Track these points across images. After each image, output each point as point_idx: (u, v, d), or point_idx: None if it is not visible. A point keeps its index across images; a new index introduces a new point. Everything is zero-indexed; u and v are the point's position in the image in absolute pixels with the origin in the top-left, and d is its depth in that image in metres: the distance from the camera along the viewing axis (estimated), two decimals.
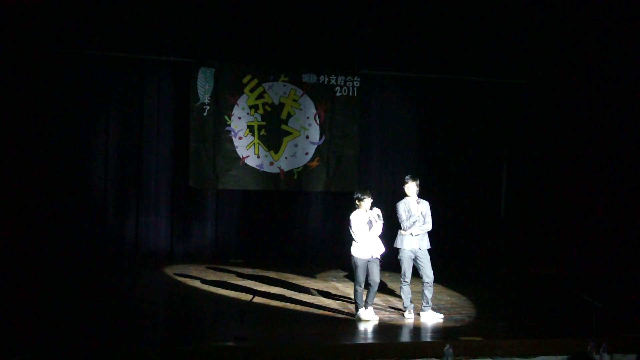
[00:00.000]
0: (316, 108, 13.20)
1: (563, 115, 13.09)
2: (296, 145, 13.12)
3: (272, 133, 13.00)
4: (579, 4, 12.32)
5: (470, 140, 14.05)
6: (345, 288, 10.34)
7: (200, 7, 12.63)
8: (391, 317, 8.71)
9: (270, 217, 13.23)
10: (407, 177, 8.77)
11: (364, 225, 8.33)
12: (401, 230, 8.67)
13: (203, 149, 12.68)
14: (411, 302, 8.70)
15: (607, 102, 12.04)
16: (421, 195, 8.80)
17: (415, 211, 8.63)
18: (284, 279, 11.07)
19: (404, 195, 8.74)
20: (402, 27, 13.52)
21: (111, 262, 12.13)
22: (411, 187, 8.69)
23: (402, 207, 8.69)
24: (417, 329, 8.32)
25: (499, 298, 10.54)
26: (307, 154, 13.18)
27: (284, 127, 13.07)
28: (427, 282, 8.60)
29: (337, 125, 13.27)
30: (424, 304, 8.64)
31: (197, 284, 10.56)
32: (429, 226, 8.71)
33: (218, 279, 10.91)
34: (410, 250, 8.62)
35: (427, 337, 8.09)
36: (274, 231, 13.21)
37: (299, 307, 9.12)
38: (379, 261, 8.40)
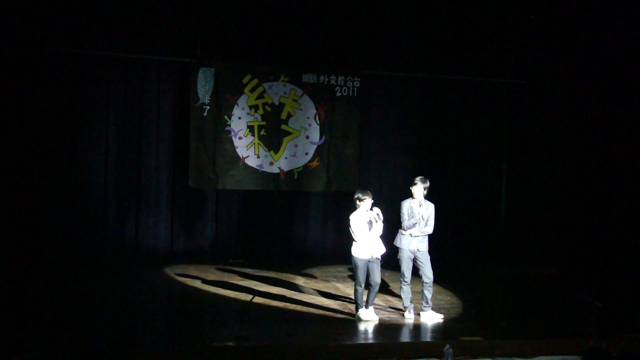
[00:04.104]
0: (316, 108, 13.19)
1: (563, 115, 13.09)
2: (296, 145, 13.11)
3: (272, 133, 12.99)
4: (578, 4, 12.32)
5: (470, 140, 14.04)
6: (346, 288, 10.34)
7: (200, 7, 12.63)
8: (391, 317, 8.71)
9: (270, 217, 13.23)
10: (417, 178, 8.75)
11: (364, 226, 8.34)
12: (401, 230, 8.69)
13: (203, 149, 12.67)
14: (411, 302, 8.70)
15: (607, 102, 12.04)
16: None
17: (417, 213, 8.64)
18: (284, 279, 11.07)
19: (410, 195, 8.74)
20: (402, 27, 13.52)
21: (111, 262, 12.12)
22: (417, 189, 8.68)
23: (406, 206, 8.70)
24: (417, 329, 8.33)
25: (499, 298, 10.54)
26: (307, 154, 13.17)
27: (284, 127, 13.07)
28: (427, 283, 8.61)
29: (337, 125, 13.27)
30: (424, 304, 8.65)
31: (197, 284, 10.56)
32: (429, 229, 8.71)
33: (218, 279, 10.91)
34: (409, 250, 8.63)
35: (427, 337, 8.10)
36: (274, 231, 13.21)
37: (299, 307, 9.12)
38: (379, 261, 8.41)
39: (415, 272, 8.73)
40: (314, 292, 10.14)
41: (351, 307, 8.92)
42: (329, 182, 13.26)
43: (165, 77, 12.75)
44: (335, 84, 13.23)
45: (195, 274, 11.22)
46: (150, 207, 12.65)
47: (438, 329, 8.27)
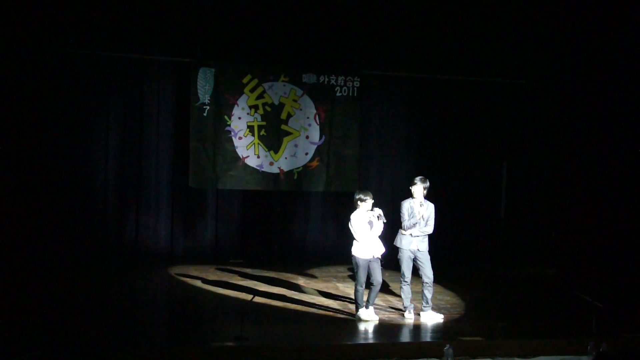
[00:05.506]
0: (316, 108, 13.19)
1: (563, 115, 13.08)
2: (296, 146, 13.11)
3: (272, 133, 12.99)
4: (578, 4, 12.32)
5: (470, 140, 14.04)
6: (346, 288, 10.35)
7: (200, 7, 12.63)
8: (391, 317, 8.71)
9: (270, 217, 13.23)
10: (417, 178, 8.77)
11: (365, 225, 8.35)
12: (401, 230, 8.70)
13: (203, 149, 12.67)
14: (411, 302, 8.71)
15: (607, 102, 12.04)
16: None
17: (417, 213, 8.64)
18: (284, 279, 11.08)
19: (410, 195, 8.74)
20: (402, 27, 13.50)
21: (111, 262, 12.12)
22: (417, 189, 8.70)
23: (406, 206, 8.71)
24: (417, 329, 8.33)
25: (499, 298, 10.54)
26: (307, 154, 13.17)
27: (284, 127, 13.07)
28: (427, 283, 8.61)
29: (337, 125, 13.26)
30: (424, 304, 8.65)
31: (197, 283, 10.57)
32: (430, 229, 8.71)
33: (218, 279, 10.91)
34: (410, 250, 8.64)
35: (427, 337, 8.10)
36: (274, 231, 13.21)
37: (299, 307, 9.13)
38: (379, 261, 8.42)
39: (416, 272, 8.74)
40: (314, 292, 10.14)
41: (351, 307, 8.92)
42: (329, 182, 13.26)
43: (165, 77, 12.75)
44: (335, 84, 13.23)
45: (195, 274, 11.23)
46: (150, 207, 12.65)
47: (438, 329, 8.28)
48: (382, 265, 8.45)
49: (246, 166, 12.88)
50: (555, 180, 13.38)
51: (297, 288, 10.39)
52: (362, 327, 8.22)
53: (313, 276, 11.45)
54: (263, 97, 12.95)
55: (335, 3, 13.07)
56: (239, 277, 11.04)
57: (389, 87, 13.72)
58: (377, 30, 13.42)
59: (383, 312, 8.81)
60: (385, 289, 9.94)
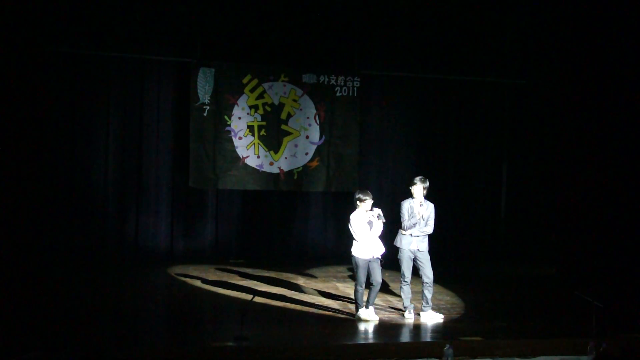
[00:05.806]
0: (316, 108, 13.19)
1: (563, 115, 13.08)
2: (296, 146, 13.11)
3: (272, 133, 12.99)
4: (578, 4, 12.32)
5: (470, 140, 14.05)
6: (346, 288, 10.35)
7: (200, 7, 12.63)
8: (391, 317, 8.71)
9: (270, 217, 13.23)
10: (417, 178, 8.76)
11: (365, 225, 8.34)
12: (401, 230, 8.69)
13: (203, 149, 12.67)
14: (411, 302, 8.71)
15: (607, 102, 12.04)
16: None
17: (417, 213, 8.64)
18: (284, 279, 11.08)
19: (410, 195, 8.74)
20: (402, 27, 13.52)
21: (111, 262, 12.12)
22: (416, 189, 8.69)
23: (406, 206, 8.70)
24: (417, 329, 8.33)
25: (499, 298, 10.54)
26: (307, 154, 13.17)
27: (284, 127, 13.07)
28: (427, 283, 8.61)
29: (337, 125, 13.27)
30: (424, 304, 8.65)
31: (197, 284, 10.57)
32: (429, 229, 8.71)
33: (218, 279, 10.91)
34: (410, 250, 8.64)
35: (427, 337, 8.10)
36: (274, 231, 13.22)
37: (299, 307, 9.13)
38: (379, 261, 8.42)
39: (416, 272, 8.74)
40: (314, 292, 10.14)
41: (351, 307, 8.92)
42: (329, 182, 13.26)
43: (165, 77, 12.76)
44: (335, 84, 13.23)
45: (195, 274, 11.22)
46: (150, 207, 12.65)
47: (438, 329, 8.27)
48: (382, 265, 8.45)
49: (246, 166, 12.88)
50: (555, 180, 13.38)
51: (297, 288, 10.39)
52: (362, 327, 8.22)
53: (313, 276, 11.44)
54: (263, 97, 12.96)
55: (335, 3, 13.08)
56: (239, 277, 11.04)
57: (389, 87, 13.72)
58: (377, 30, 13.44)
59: (383, 312, 8.81)
60: (385, 289, 9.94)
